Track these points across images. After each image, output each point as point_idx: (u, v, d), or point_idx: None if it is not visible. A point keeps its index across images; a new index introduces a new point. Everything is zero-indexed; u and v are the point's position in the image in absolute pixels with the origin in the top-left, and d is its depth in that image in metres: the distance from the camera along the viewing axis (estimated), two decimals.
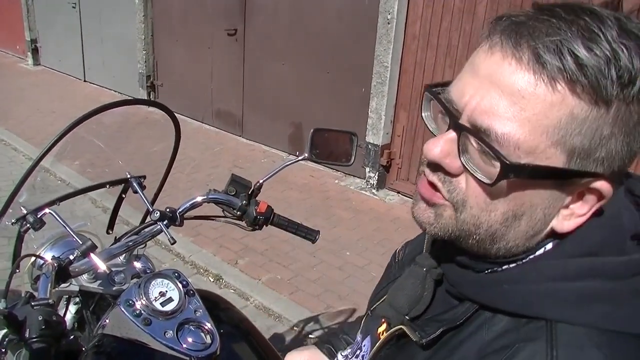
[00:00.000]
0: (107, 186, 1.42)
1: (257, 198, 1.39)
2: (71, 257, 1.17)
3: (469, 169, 0.61)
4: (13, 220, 1.25)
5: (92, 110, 1.25)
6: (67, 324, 1.39)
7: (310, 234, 1.45)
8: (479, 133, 0.59)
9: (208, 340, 1.19)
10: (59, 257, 1.22)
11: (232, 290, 3.38)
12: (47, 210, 1.26)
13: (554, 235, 0.65)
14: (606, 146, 0.57)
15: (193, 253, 3.71)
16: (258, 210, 1.36)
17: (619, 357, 0.59)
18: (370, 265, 3.56)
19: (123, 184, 1.43)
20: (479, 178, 0.61)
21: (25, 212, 1.25)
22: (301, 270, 3.53)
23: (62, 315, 1.41)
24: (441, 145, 0.63)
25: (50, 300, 1.00)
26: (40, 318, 0.94)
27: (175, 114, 1.43)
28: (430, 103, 0.69)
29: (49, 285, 1.06)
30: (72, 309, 1.45)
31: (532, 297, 0.63)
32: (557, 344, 0.59)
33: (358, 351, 0.93)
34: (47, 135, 5.75)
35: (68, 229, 1.24)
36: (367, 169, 4.69)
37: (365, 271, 3.49)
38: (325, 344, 1.30)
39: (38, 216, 1.25)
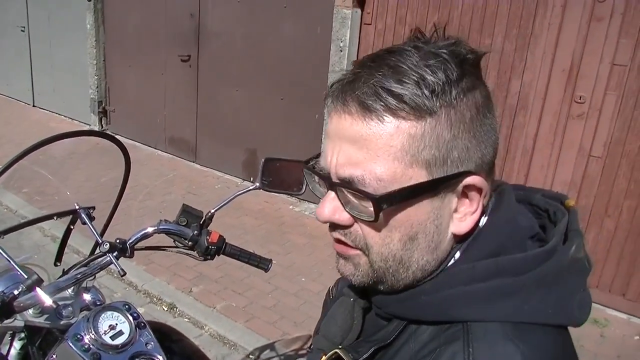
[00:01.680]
0: (55, 218, 1.39)
1: (208, 228, 1.39)
2: (15, 292, 1.14)
3: (355, 215, 0.69)
4: None
5: (41, 140, 1.23)
6: None
7: (262, 263, 1.45)
8: (346, 183, 0.67)
9: None
10: (2, 291, 1.19)
11: (186, 319, 3.32)
12: None
13: (460, 241, 0.71)
14: (456, 147, 0.65)
15: (146, 282, 3.64)
16: (210, 240, 1.36)
17: (531, 346, 0.63)
18: (326, 291, 3.55)
19: (71, 215, 1.41)
20: (365, 219, 0.68)
21: None
22: (256, 298, 3.50)
23: (5, 353, 1.36)
24: (327, 206, 0.70)
25: None
26: None
27: (127, 141, 1.43)
28: (311, 176, 0.78)
29: None
30: (17, 344, 1.40)
31: (447, 303, 0.68)
32: (472, 341, 0.63)
33: None
34: None
35: (12, 262, 1.21)
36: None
37: (320, 297, 3.45)
38: None
39: None
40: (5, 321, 1.19)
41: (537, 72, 3.62)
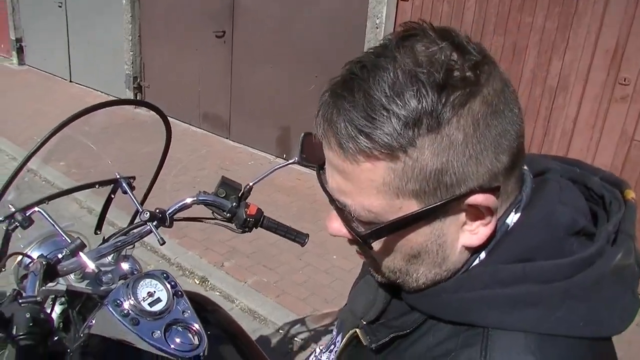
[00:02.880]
0: (97, 186, 1.41)
1: (247, 200, 1.40)
2: (59, 256, 1.16)
3: (354, 238, 0.67)
4: (1, 218, 1.24)
5: (84, 109, 1.24)
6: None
7: (299, 237, 1.45)
8: (342, 207, 0.66)
9: (196, 341, 1.19)
10: (46, 256, 1.21)
11: (217, 293, 3.37)
12: (36, 209, 1.26)
13: (477, 250, 0.67)
14: (447, 172, 0.59)
15: (179, 255, 3.69)
16: (248, 212, 1.36)
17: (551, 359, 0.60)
18: (357, 269, 3.50)
19: (112, 185, 1.42)
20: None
21: (13, 210, 1.24)
22: (287, 273, 3.52)
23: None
24: (333, 223, 0.70)
25: (38, 298, 1.00)
26: (27, 316, 0.93)
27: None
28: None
29: (37, 283, 1.06)
30: (58, 309, 1.43)
31: (466, 305, 0.65)
32: (490, 350, 0.61)
33: (332, 346, 0.93)
34: (31, 135, 5.70)
35: (57, 227, 1.23)
36: None
37: (351, 275, 3.49)
38: None
39: (27, 214, 1.24)
40: (49, 284, 1.21)
41: (580, 53, 3.52)
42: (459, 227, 0.65)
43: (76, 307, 1.37)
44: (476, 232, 0.64)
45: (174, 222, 1.34)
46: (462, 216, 0.64)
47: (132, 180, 1.41)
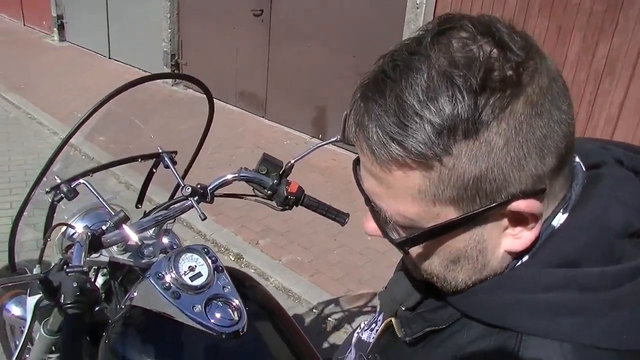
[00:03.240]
0: (140, 160, 1.42)
1: (288, 178, 1.39)
2: (104, 228, 1.18)
3: (389, 240, 0.66)
4: (47, 189, 1.26)
5: (129, 82, 1.24)
6: None
7: (339, 216, 1.44)
8: (377, 210, 0.65)
9: (235, 316, 1.19)
10: (90, 227, 1.23)
11: (252, 270, 3.39)
12: (81, 181, 1.27)
13: (519, 256, 0.64)
14: (487, 180, 0.56)
15: (214, 232, 3.73)
16: (289, 190, 1.35)
17: None
18: (392, 251, 3.51)
19: (154, 159, 1.43)
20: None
21: (59, 181, 1.26)
22: (322, 253, 3.53)
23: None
24: (370, 223, 0.69)
25: (84, 268, 1.01)
26: (75, 285, 0.94)
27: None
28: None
29: (83, 253, 1.07)
30: (100, 280, 1.46)
31: (502, 307, 0.62)
32: (522, 356, 0.58)
33: (374, 325, 0.92)
34: (72, 111, 5.81)
35: (101, 199, 1.25)
36: None
37: (386, 257, 3.47)
38: None
39: (72, 186, 1.26)
40: (92, 255, 1.23)
41: (629, 36, 3.39)
42: (500, 232, 0.62)
43: (118, 279, 1.39)
44: (519, 237, 0.61)
45: (214, 198, 1.34)
46: (505, 221, 0.61)
47: (174, 155, 1.42)
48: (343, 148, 1.35)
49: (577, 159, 0.66)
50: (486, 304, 0.64)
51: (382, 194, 0.62)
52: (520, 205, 0.58)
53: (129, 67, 7.95)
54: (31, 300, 1.12)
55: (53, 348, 1.40)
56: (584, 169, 0.67)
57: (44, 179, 1.25)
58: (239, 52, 6.17)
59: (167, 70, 7.14)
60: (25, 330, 1.14)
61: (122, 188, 4.23)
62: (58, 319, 1.27)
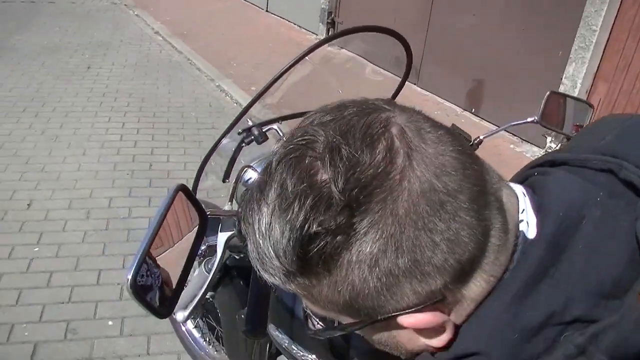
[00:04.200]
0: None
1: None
2: None
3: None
4: (240, 130, 1.30)
5: (321, 40, 1.24)
6: None
7: None
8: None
9: None
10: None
11: None
12: (273, 126, 1.30)
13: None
14: (359, 301, 0.52)
15: None
16: None
17: None
18: None
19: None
20: None
21: (251, 124, 1.29)
22: None
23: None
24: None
25: None
26: None
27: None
28: None
29: None
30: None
31: None
32: None
33: None
34: (228, 60, 6.08)
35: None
36: (549, 139, 4.38)
37: None
38: None
39: (263, 130, 1.29)
40: None
41: None
42: (411, 333, 0.57)
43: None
44: (434, 337, 0.56)
45: None
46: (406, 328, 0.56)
47: None
48: (549, 129, 1.24)
49: (529, 219, 0.57)
50: None
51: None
52: (408, 319, 0.53)
53: (284, 22, 8.14)
54: (222, 237, 1.18)
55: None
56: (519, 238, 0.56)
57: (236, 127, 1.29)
58: (397, 15, 6.04)
59: (323, 27, 7.21)
60: (216, 263, 1.21)
61: None
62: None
